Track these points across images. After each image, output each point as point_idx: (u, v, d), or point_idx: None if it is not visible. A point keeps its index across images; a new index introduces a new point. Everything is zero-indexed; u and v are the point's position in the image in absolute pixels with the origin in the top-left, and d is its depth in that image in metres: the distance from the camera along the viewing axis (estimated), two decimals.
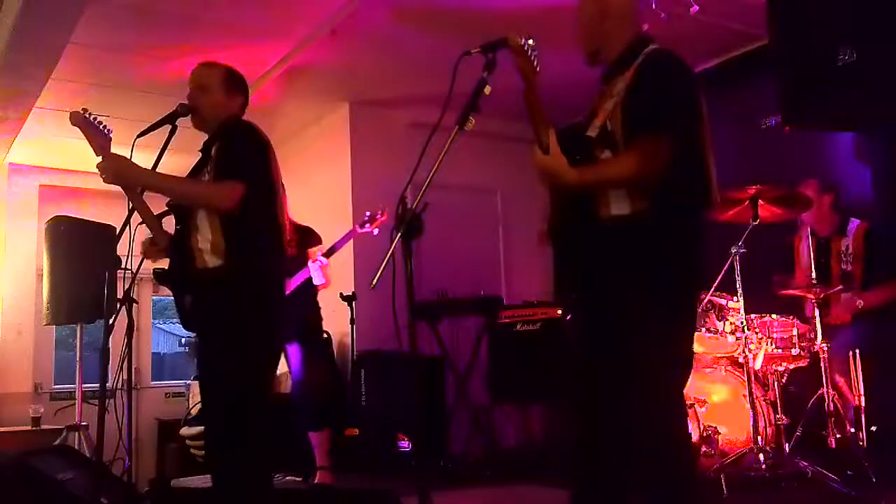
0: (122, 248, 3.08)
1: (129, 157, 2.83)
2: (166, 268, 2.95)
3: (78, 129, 2.86)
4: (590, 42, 2.48)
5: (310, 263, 4.40)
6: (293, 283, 4.34)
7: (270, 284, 2.90)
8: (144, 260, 3.12)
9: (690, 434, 2.35)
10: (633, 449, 2.24)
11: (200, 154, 2.98)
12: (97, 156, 2.84)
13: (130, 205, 2.91)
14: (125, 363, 3.74)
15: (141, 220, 2.92)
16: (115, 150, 2.91)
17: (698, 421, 3.77)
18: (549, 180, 2.30)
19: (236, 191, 2.74)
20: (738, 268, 3.81)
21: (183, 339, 9.95)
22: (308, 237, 4.56)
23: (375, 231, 4.62)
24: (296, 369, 4.40)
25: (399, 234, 2.28)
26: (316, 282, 4.45)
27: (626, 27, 2.43)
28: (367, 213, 4.64)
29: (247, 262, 2.79)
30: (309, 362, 4.38)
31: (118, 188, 2.88)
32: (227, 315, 2.76)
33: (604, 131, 2.30)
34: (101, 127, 2.89)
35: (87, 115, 2.88)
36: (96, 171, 2.83)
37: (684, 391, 2.30)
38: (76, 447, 4.78)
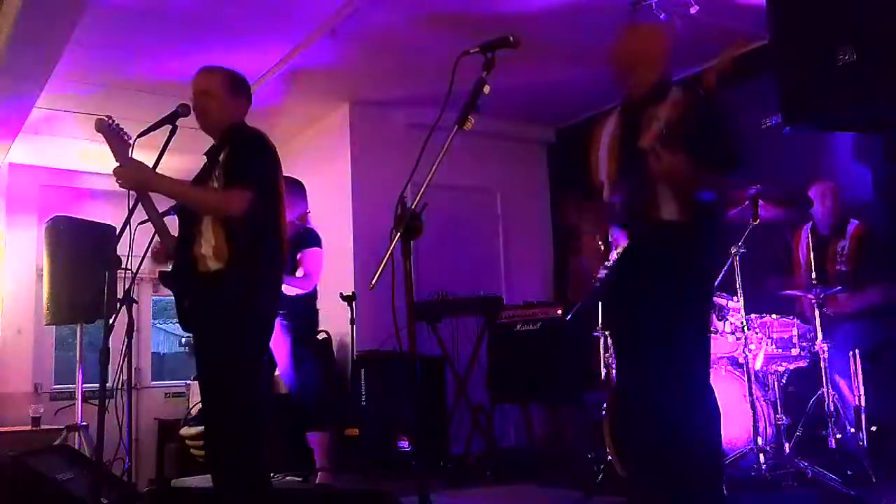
0: (122, 248, 3.08)
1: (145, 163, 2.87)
2: (169, 270, 2.97)
3: (88, 132, 2.89)
4: (629, 65, 2.84)
5: None
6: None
7: (267, 288, 2.91)
8: (145, 260, 3.13)
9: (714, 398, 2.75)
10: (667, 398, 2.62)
11: (206, 158, 3.00)
12: (117, 161, 2.88)
13: (131, 205, 2.92)
14: (125, 363, 3.74)
15: (142, 220, 2.94)
16: None
17: None
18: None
19: (245, 198, 2.78)
20: (738, 268, 3.81)
21: (183, 339, 9.94)
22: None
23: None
24: (285, 369, 4.37)
25: (399, 234, 2.28)
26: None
27: (661, 68, 2.82)
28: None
29: (246, 267, 2.81)
30: (298, 361, 4.35)
31: (119, 188, 2.90)
32: (223, 316, 2.78)
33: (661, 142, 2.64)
34: (122, 134, 2.94)
35: (111, 123, 2.94)
36: (97, 171, 2.84)
37: None
38: (76, 447, 4.78)
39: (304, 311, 4.47)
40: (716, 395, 2.70)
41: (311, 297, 4.53)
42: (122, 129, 2.95)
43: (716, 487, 2.68)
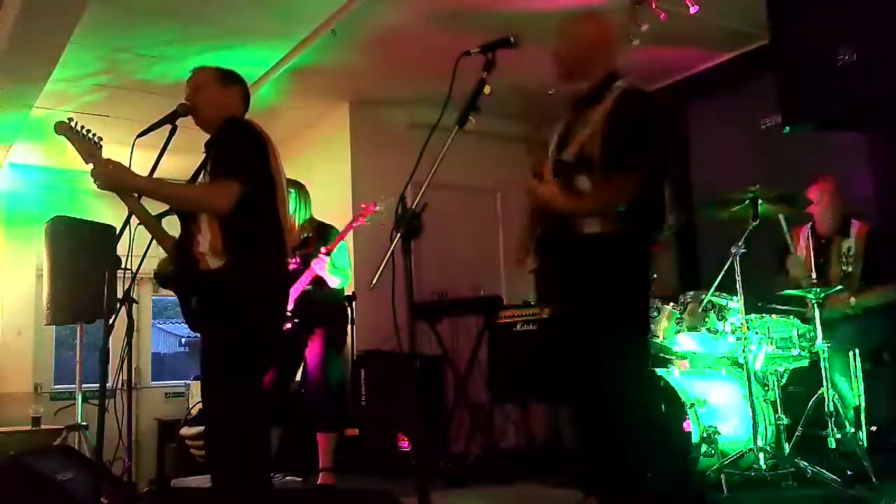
0: (122, 248, 3.08)
1: (121, 161, 2.84)
2: (167, 271, 2.94)
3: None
4: (570, 62, 2.73)
5: (313, 262, 4.35)
6: (303, 282, 4.31)
7: (270, 282, 2.88)
8: (144, 260, 3.12)
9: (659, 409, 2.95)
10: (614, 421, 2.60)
11: (204, 155, 2.99)
12: (87, 163, 2.85)
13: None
14: (125, 363, 3.74)
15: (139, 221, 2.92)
16: (114, 150, 2.91)
17: (698, 421, 3.76)
18: (541, 205, 2.65)
19: (231, 190, 2.72)
20: (738, 268, 3.81)
21: (183, 339, 9.95)
22: (326, 234, 4.49)
23: (366, 221, 4.57)
24: (313, 369, 4.38)
25: (399, 234, 2.28)
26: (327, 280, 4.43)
27: (607, 60, 2.69)
28: (362, 205, 4.61)
29: (245, 261, 2.78)
30: (327, 362, 4.37)
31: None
32: (227, 315, 2.76)
33: (581, 157, 2.58)
34: (88, 135, 2.90)
35: (73, 125, 2.89)
36: None
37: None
38: (76, 447, 4.77)
39: (338, 310, 4.55)
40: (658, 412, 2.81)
41: (341, 297, 4.59)
42: (88, 130, 2.91)
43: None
